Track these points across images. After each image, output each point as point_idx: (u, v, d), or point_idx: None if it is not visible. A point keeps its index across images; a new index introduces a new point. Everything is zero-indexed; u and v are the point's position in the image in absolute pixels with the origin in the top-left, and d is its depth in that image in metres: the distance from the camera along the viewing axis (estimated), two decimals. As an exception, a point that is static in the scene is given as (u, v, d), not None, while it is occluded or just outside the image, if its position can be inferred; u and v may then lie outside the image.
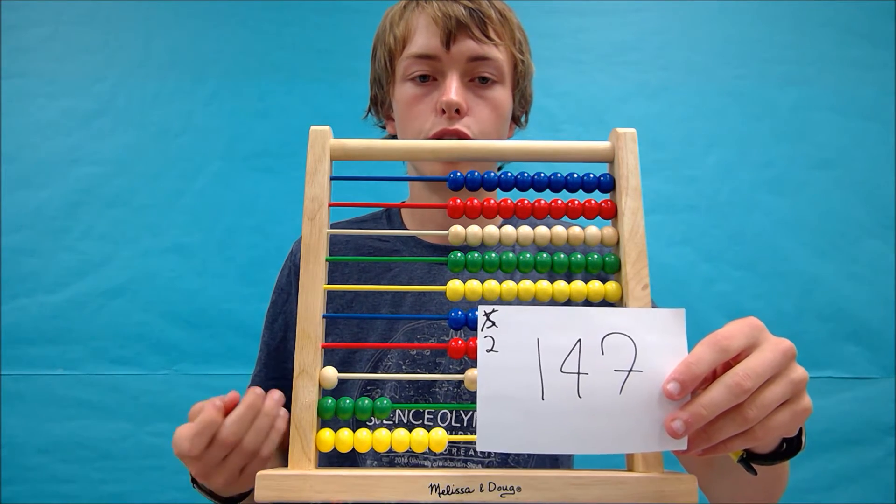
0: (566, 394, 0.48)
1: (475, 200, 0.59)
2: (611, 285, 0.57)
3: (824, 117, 1.79)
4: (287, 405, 0.55)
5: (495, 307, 0.50)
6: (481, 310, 0.50)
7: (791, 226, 1.74)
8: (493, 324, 0.49)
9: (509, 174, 0.60)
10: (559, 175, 0.60)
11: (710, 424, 0.46)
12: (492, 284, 0.57)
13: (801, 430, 0.54)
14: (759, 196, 1.76)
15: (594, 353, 0.48)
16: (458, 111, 0.76)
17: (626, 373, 0.48)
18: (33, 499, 1.57)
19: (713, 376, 0.47)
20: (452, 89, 0.75)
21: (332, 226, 0.68)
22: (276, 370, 0.86)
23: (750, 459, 0.55)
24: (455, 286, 0.57)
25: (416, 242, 0.86)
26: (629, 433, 0.47)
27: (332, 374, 0.55)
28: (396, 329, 0.80)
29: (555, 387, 0.48)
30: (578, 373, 0.48)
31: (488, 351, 0.49)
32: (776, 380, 0.46)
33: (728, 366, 0.47)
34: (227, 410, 0.55)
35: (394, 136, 0.88)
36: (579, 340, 0.48)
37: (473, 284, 0.57)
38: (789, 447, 0.55)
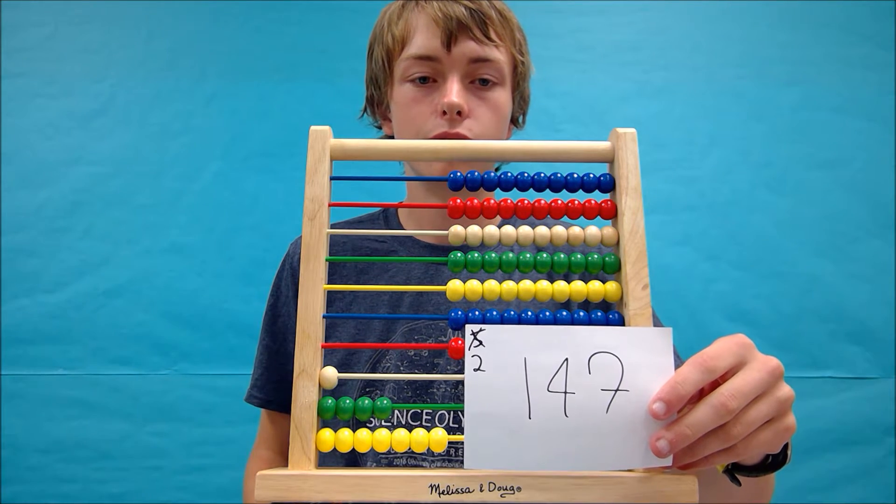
0: (553, 413, 0.48)
1: (475, 200, 0.59)
2: (611, 285, 0.57)
3: (824, 117, 1.79)
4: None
5: (483, 326, 0.50)
6: (468, 328, 0.50)
7: (791, 226, 1.74)
8: (481, 343, 0.49)
9: (509, 174, 0.60)
10: (559, 175, 0.60)
11: (695, 441, 0.46)
12: (492, 284, 0.57)
13: (786, 444, 0.54)
14: (759, 196, 1.76)
15: (581, 372, 0.48)
16: (459, 113, 0.75)
17: (613, 392, 0.48)
18: (33, 499, 1.57)
19: (700, 394, 0.47)
20: (454, 91, 0.74)
21: (331, 226, 0.67)
22: (276, 372, 0.86)
23: (735, 471, 0.55)
24: (455, 286, 0.57)
25: (413, 243, 0.85)
26: (615, 451, 0.47)
27: (331, 374, 0.55)
28: (394, 330, 0.80)
29: (542, 406, 0.48)
30: (565, 392, 0.48)
31: (475, 370, 0.49)
32: (762, 398, 0.46)
33: (715, 384, 0.47)
34: None
35: (390, 137, 0.87)
36: (566, 359, 0.48)
37: (473, 284, 0.57)
38: (774, 460, 0.55)
